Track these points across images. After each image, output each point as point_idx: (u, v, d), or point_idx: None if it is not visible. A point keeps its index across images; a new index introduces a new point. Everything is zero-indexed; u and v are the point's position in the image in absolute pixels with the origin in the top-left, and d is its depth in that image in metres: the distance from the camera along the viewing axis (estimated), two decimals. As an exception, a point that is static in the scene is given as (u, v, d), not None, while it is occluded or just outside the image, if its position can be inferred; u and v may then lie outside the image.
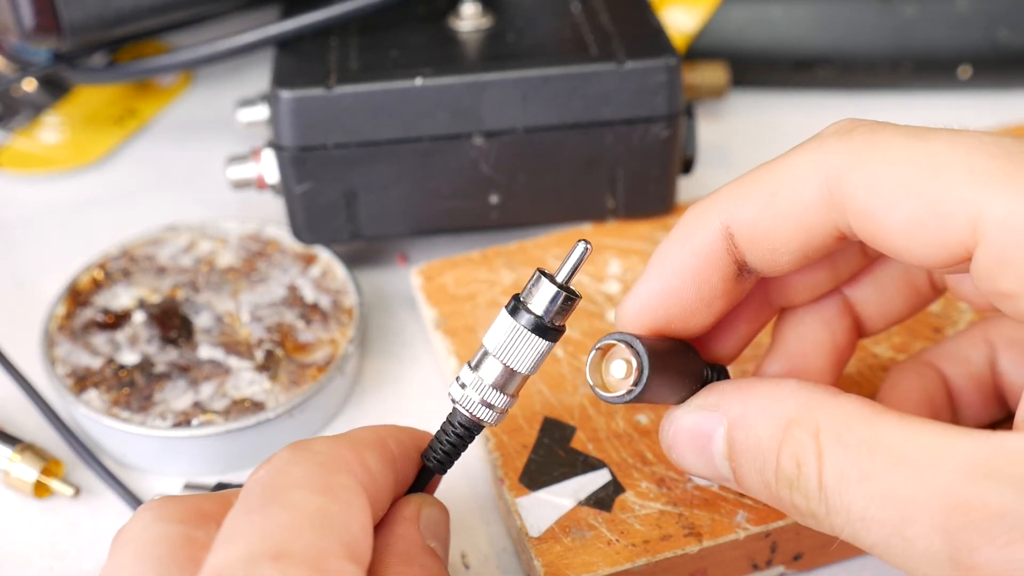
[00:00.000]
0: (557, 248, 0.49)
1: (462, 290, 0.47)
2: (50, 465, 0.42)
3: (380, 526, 0.32)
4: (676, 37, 0.59)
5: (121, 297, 0.48)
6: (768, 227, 0.32)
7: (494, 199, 0.48)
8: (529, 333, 0.32)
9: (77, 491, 0.42)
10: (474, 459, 0.43)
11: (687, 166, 0.50)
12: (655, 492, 0.38)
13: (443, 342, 0.45)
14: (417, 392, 0.47)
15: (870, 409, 0.29)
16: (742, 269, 0.33)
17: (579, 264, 0.32)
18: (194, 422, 0.43)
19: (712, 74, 0.58)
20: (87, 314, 0.47)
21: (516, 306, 0.32)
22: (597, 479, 0.39)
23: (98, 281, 0.49)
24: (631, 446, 0.40)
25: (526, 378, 0.33)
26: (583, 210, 0.49)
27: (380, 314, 0.50)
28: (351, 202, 0.48)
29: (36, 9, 0.49)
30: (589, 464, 0.40)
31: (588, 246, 0.32)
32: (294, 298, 0.48)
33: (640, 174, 0.48)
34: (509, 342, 0.32)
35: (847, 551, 0.39)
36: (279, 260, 0.49)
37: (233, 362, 0.45)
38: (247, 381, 0.44)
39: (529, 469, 0.40)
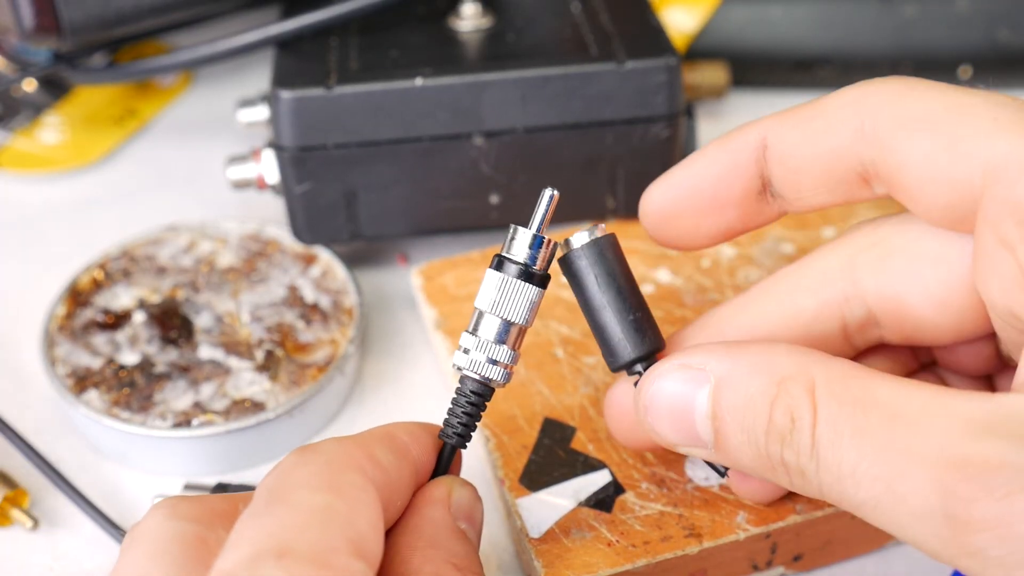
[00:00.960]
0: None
1: (462, 290, 0.47)
2: (15, 494, 0.42)
3: (408, 511, 0.32)
4: (676, 37, 0.59)
5: (121, 297, 0.48)
6: (799, 145, 0.33)
7: (494, 199, 0.48)
8: (518, 281, 0.33)
9: (36, 523, 0.41)
10: (474, 460, 0.43)
11: (687, 166, 0.50)
12: (655, 493, 0.38)
13: (443, 342, 0.45)
14: (417, 392, 0.47)
15: (864, 368, 0.29)
16: (765, 188, 0.34)
17: (548, 211, 0.33)
18: (194, 422, 0.43)
19: (712, 74, 0.58)
20: (87, 314, 0.47)
21: (500, 261, 0.34)
22: (597, 480, 0.39)
23: (98, 281, 0.49)
24: (631, 446, 0.40)
25: (524, 330, 0.34)
26: (583, 210, 0.49)
27: (380, 314, 0.50)
28: (351, 202, 0.48)
29: (36, 9, 0.49)
30: (589, 465, 0.40)
31: (555, 193, 0.33)
32: (294, 298, 0.48)
33: (640, 174, 0.48)
34: (501, 295, 0.33)
35: (847, 552, 0.39)
36: (279, 260, 0.49)
37: (233, 362, 0.45)
38: (247, 381, 0.44)
39: (529, 470, 0.40)
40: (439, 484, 0.33)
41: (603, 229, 0.34)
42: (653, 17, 0.49)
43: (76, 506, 0.42)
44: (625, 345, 0.34)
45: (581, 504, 0.38)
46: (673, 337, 0.37)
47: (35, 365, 0.47)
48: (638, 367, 0.34)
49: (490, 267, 0.34)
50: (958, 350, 0.35)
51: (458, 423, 0.34)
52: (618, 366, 0.34)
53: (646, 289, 0.47)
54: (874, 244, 0.34)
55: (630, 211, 0.49)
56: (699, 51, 0.60)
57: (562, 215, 0.50)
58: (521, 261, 0.33)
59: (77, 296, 0.48)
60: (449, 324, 0.46)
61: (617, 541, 0.37)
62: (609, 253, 0.34)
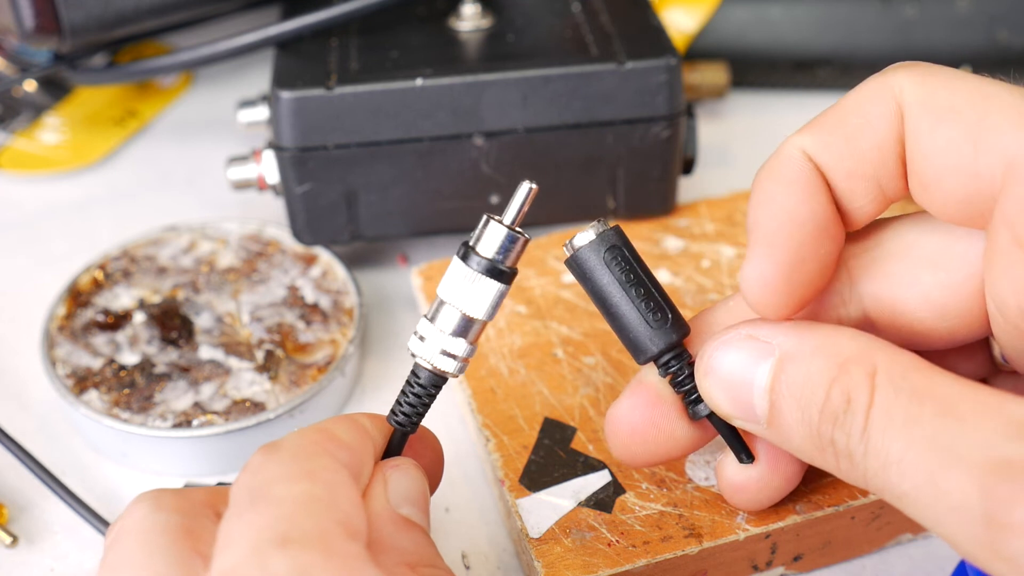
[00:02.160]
0: (558, 248, 0.49)
1: (462, 291, 0.47)
2: None
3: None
4: (676, 37, 0.59)
5: (121, 297, 0.48)
6: (843, 146, 0.31)
7: (494, 199, 0.48)
8: (482, 276, 0.32)
9: (15, 540, 0.40)
10: (474, 460, 0.43)
11: (688, 166, 0.50)
12: (655, 493, 0.38)
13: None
14: (417, 393, 0.47)
15: (927, 363, 0.29)
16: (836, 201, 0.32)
17: (524, 204, 0.32)
18: (194, 423, 0.43)
19: (712, 74, 0.58)
20: (87, 314, 0.47)
21: (467, 252, 0.33)
22: (597, 480, 0.39)
23: (98, 281, 0.49)
24: (631, 447, 0.40)
25: (484, 324, 0.33)
26: (584, 210, 0.49)
27: (380, 314, 0.50)
28: (351, 203, 0.48)
29: (37, 10, 0.49)
30: (589, 465, 0.40)
31: (532, 186, 0.32)
32: (294, 299, 0.48)
33: (641, 174, 0.48)
34: (464, 288, 0.32)
35: (847, 552, 0.39)
36: (279, 261, 0.49)
37: (233, 363, 0.45)
38: (247, 382, 0.44)
39: (529, 470, 0.40)
40: (375, 475, 0.32)
41: (606, 223, 0.33)
42: (653, 17, 0.49)
43: (73, 510, 0.42)
44: (649, 339, 0.33)
45: (581, 504, 0.38)
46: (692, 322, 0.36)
47: (35, 365, 0.47)
48: (666, 358, 0.34)
49: (456, 255, 0.33)
50: (951, 356, 0.35)
51: (406, 409, 0.34)
52: (645, 360, 0.34)
53: (646, 289, 0.47)
54: (869, 248, 0.33)
55: (630, 211, 0.49)
56: (699, 51, 0.60)
57: (562, 215, 0.50)
58: (489, 256, 0.32)
59: (77, 296, 0.48)
60: (449, 324, 0.46)
61: (617, 541, 0.37)
62: (617, 246, 0.33)
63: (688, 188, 0.53)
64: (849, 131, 0.31)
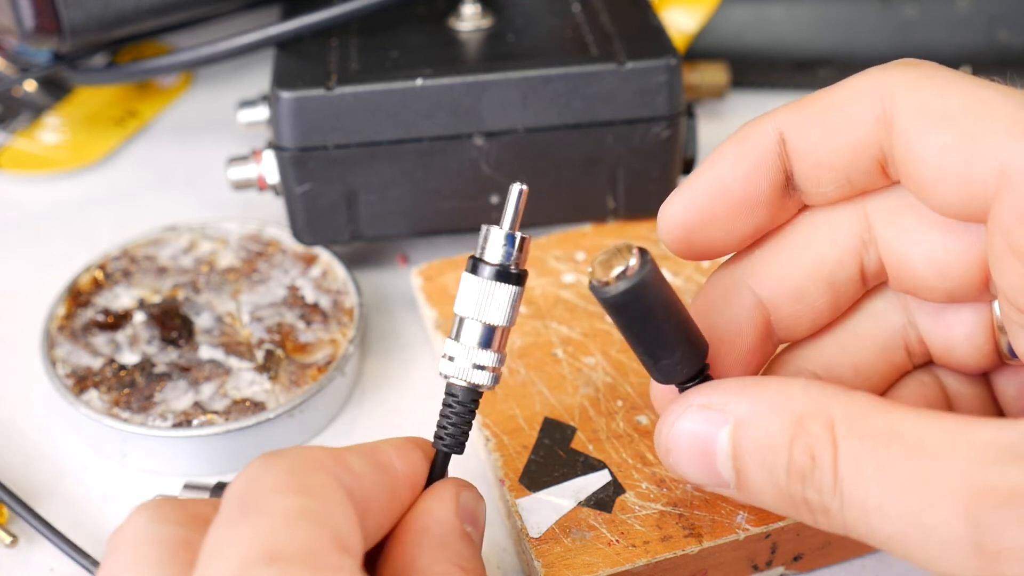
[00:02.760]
0: (558, 249, 0.49)
1: (462, 290, 0.47)
2: None
3: (415, 513, 0.32)
4: (676, 37, 0.59)
5: (121, 297, 0.48)
6: (819, 140, 0.32)
7: (494, 199, 0.48)
8: (495, 283, 0.33)
9: (15, 540, 0.40)
10: (474, 460, 0.43)
11: (688, 166, 0.50)
12: (655, 493, 0.38)
13: (443, 342, 0.45)
14: (417, 392, 0.47)
15: (882, 402, 0.28)
16: (788, 182, 0.34)
17: (519, 206, 0.33)
18: (195, 422, 0.43)
19: (712, 74, 0.58)
20: (87, 314, 0.47)
21: (475, 264, 0.33)
22: (597, 480, 0.39)
23: (98, 281, 0.49)
24: (631, 447, 0.40)
25: (507, 331, 0.34)
26: (584, 210, 0.49)
27: (380, 314, 0.50)
28: (352, 203, 0.48)
29: (37, 10, 0.49)
30: (589, 465, 0.40)
31: (523, 187, 0.33)
32: (294, 299, 0.48)
33: (641, 174, 0.48)
34: (479, 299, 0.33)
35: (847, 552, 0.39)
36: (279, 261, 0.49)
37: (233, 362, 0.45)
38: (248, 381, 0.44)
39: (529, 470, 0.40)
40: (446, 486, 0.33)
41: (638, 256, 0.30)
42: (653, 17, 0.49)
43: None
44: (675, 369, 0.33)
45: (581, 504, 0.38)
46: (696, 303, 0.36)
47: (35, 365, 0.47)
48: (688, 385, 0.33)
49: (466, 271, 0.33)
50: (957, 350, 0.35)
51: (450, 429, 0.34)
52: (667, 383, 0.34)
53: (646, 289, 0.47)
54: (891, 196, 0.33)
55: (630, 211, 0.49)
56: (699, 51, 0.60)
57: (562, 215, 0.50)
58: (496, 262, 0.33)
59: (77, 296, 0.48)
60: (449, 324, 0.46)
61: (617, 541, 0.37)
62: (654, 286, 0.31)
63: (688, 188, 0.53)
64: (829, 125, 0.32)
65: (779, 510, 0.30)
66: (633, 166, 0.48)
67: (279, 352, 0.45)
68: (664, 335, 0.32)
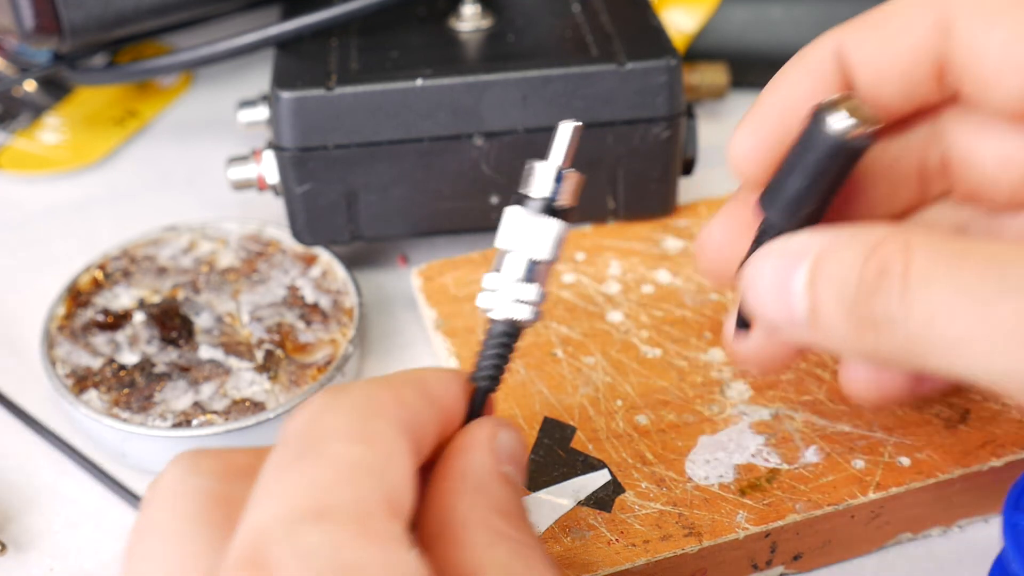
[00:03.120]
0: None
1: (462, 291, 0.47)
2: None
3: (451, 454, 0.31)
4: (676, 37, 0.59)
5: (121, 297, 0.48)
6: (877, 49, 0.32)
7: (494, 200, 0.48)
8: (541, 216, 0.32)
9: (3, 548, 0.40)
10: (474, 459, 0.43)
11: (688, 167, 0.50)
12: (655, 492, 0.38)
13: (443, 343, 0.45)
14: (417, 392, 0.47)
15: (965, 237, 0.29)
16: None
17: (570, 144, 0.32)
18: (194, 422, 0.43)
19: (712, 75, 0.58)
20: (87, 314, 0.47)
21: (520, 198, 0.32)
22: (597, 479, 0.39)
23: (98, 281, 0.49)
24: (631, 446, 0.40)
25: (550, 265, 0.33)
26: (583, 211, 0.49)
27: (380, 315, 0.50)
28: (351, 203, 0.48)
29: (37, 10, 0.49)
30: (589, 464, 0.40)
31: (577, 124, 0.32)
32: (294, 299, 0.48)
33: (641, 175, 0.48)
34: (524, 232, 0.32)
35: (847, 552, 0.39)
36: (279, 261, 0.49)
37: (233, 362, 0.45)
38: (247, 381, 0.44)
39: (529, 469, 0.40)
40: (481, 426, 0.31)
41: (857, 121, 0.30)
42: (653, 17, 0.49)
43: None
44: (791, 209, 0.32)
45: (581, 503, 0.38)
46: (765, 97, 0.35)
47: (35, 365, 0.47)
48: (782, 225, 0.33)
49: (510, 204, 0.33)
50: (994, 179, 0.35)
51: (488, 366, 0.33)
52: (773, 211, 0.33)
53: (646, 289, 0.47)
54: (952, 109, 0.34)
55: (630, 211, 0.50)
56: (699, 52, 0.60)
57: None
58: (545, 196, 0.32)
59: (77, 296, 0.48)
60: (449, 325, 0.46)
61: (616, 540, 0.37)
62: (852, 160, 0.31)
63: (688, 188, 0.53)
64: (887, 35, 0.33)
65: (845, 342, 0.30)
66: (633, 166, 0.48)
67: (279, 352, 0.45)
68: (806, 186, 0.32)
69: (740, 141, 0.34)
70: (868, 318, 0.29)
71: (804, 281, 0.30)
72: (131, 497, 0.42)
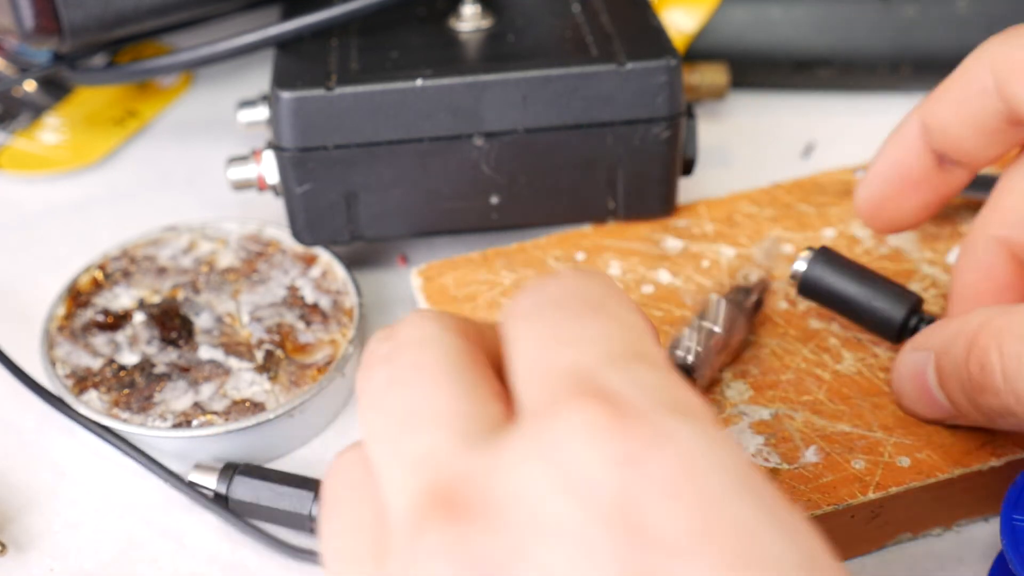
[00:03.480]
0: (557, 249, 0.49)
1: (462, 291, 0.47)
2: None
3: None
4: (676, 38, 0.59)
5: (121, 298, 0.48)
6: (949, 117, 0.40)
7: (494, 200, 0.48)
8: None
9: (3, 549, 0.40)
10: (474, 460, 0.43)
11: (688, 167, 0.50)
12: (655, 493, 0.38)
13: (443, 343, 0.45)
14: (417, 393, 0.47)
15: None
16: (942, 159, 0.41)
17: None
18: (194, 423, 0.43)
19: (712, 75, 0.58)
20: (87, 315, 0.47)
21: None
22: (597, 480, 0.39)
23: (98, 282, 0.49)
24: (631, 447, 0.40)
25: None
26: (583, 211, 0.49)
27: (380, 315, 0.50)
28: (351, 203, 0.48)
29: (37, 10, 0.49)
30: (589, 465, 0.40)
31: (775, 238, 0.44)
32: (294, 299, 0.48)
33: (641, 175, 0.48)
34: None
35: (847, 552, 0.39)
36: (279, 261, 0.49)
37: (233, 363, 0.45)
38: (247, 382, 0.44)
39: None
40: None
41: (809, 251, 0.42)
42: (653, 17, 0.49)
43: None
44: (889, 313, 0.40)
45: (581, 504, 0.38)
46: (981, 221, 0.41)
47: (35, 365, 0.47)
48: (912, 322, 0.40)
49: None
50: None
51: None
52: (896, 333, 0.41)
53: (646, 290, 0.47)
54: None
55: (630, 212, 0.49)
56: (699, 52, 0.60)
57: (562, 216, 0.50)
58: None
59: (77, 296, 0.48)
60: (449, 324, 0.46)
61: (617, 541, 0.37)
62: (832, 256, 0.41)
63: (688, 189, 0.53)
64: (953, 103, 0.40)
65: (986, 424, 0.36)
66: (633, 167, 0.48)
67: (279, 352, 0.45)
68: (857, 296, 0.41)
69: (860, 195, 0.43)
70: (987, 409, 0.34)
71: (934, 379, 0.37)
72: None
